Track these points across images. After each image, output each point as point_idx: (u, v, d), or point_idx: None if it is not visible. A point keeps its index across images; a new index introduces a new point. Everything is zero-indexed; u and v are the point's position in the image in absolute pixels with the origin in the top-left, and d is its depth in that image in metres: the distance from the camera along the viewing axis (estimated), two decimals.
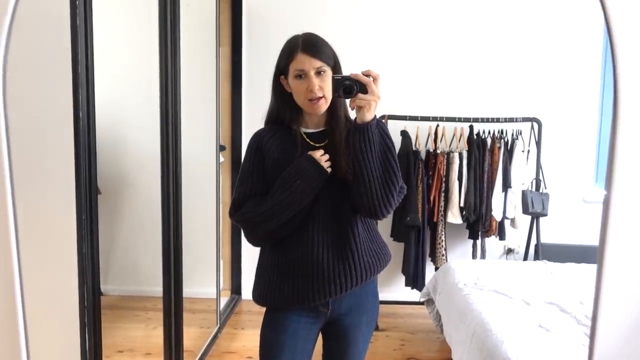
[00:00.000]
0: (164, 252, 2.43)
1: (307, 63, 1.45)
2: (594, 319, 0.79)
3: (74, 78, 1.35)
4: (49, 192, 1.28)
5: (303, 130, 1.55)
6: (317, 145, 1.53)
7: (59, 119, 1.34)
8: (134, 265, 3.00)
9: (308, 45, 1.47)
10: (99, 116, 1.60)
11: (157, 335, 2.53)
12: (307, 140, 1.53)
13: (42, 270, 1.28)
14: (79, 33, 1.39)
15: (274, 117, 1.59)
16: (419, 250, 3.51)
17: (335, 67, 1.51)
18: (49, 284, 1.34)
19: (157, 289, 2.48)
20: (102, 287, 2.08)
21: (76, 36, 1.38)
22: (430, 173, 3.50)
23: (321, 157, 1.48)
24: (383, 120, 3.29)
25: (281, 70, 1.53)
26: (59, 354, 1.47)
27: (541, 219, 3.53)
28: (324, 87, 1.46)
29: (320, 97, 1.47)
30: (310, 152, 1.48)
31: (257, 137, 1.57)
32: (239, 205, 1.54)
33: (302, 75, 1.46)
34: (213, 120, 3.25)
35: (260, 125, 1.63)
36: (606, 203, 0.73)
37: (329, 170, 1.48)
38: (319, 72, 1.46)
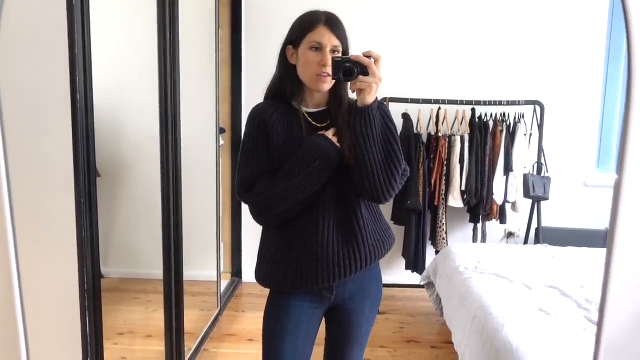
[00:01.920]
0: (164, 235, 2.42)
1: (327, 37, 1.43)
2: (602, 305, 0.78)
3: (71, 60, 1.32)
4: (47, 176, 1.26)
5: (304, 109, 1.52)
6: (319, 125, 1.50)
7: (57, 102, 1.32)
8: (134, 248, 3.00)
9: (331, 20, 1.45)
10: (97, 99, 1.57)
11: (157, 318, 2.54)
12: (310, 120, 1.50)
13: (42, 254, 1.27)
14: (75, 14, 1.36)
15: (274, 91, 1.55)
16: (420, 233, 3.51)
17: (346, 53, 1.47)
18: (49, 268, 1.33)
19: (158, 272, 2.48)
20: (103, 270, 2.08)
21: (73, 17, 1.35)
22: (432, 156, 3.48)
23: (335, 137, 1.45)
24: (385, 103, 3.28)
25: (293, 39, 1.48)
26: (59, 337, 1.46)
27: (542, 202, 3.52)
28: None
29: (330, 75, 1.43)
30: (322, 132, 1.46)
31: (259, 112, 1.51)
32: (248, 184, 1.48)
33: (318, 47, 1.43)
34: (213, 102, 3.23)
35: None
36: (617, 187, 0.71)
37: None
38: (333, 51, 1.44)
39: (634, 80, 0.67)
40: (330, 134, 1.45)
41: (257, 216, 1.52)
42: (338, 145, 1.44)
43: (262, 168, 1.48)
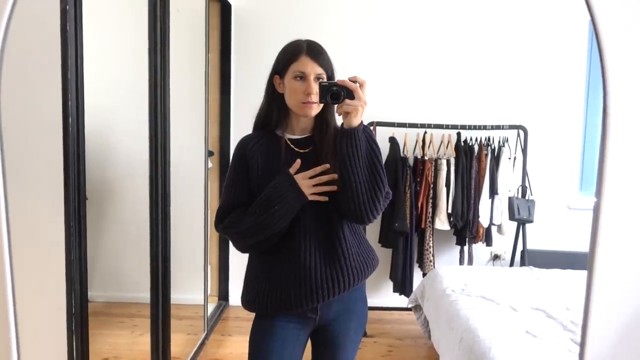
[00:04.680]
0: (151, 258, 2.41)
1: (310, 66, 1.47)
2: (584, 326, 0.80)
3: (64, 84, 1.34)
4: (37, 199, 1.27)
5: (288, 136, 1.56)
6: (301, 151, 1.53)
7: (48, 125, 1.33)
8: (121, 271, 2.97)
9: (313, 49, 1.49)
10: (87, 122, 1.59)
11: (143, 342, 2.51)
12: (292, 146, 1.54)
13: (30, 276, 1.27)
14: (69, 39, 1.39)
15: (262, 119, 1.59)
16: (407, 256, 3.52)
17: (331, 78, 1.52)
18: (37, 291, 1.32)
19: (143, 295, 2.46)
20: (88, 294, 2.06)
21: (66, 42, 1.37)
22: (418, 179, 3.52)
23: (305, 180, 1.46)
24: (371, 127, 3.32)
25: (278, 70, 1.53)
26: None
27: (527, 225, 3.56)
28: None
29: (315, 102, 1.48)
30: (296, 174, 1.46)
31: (241, 144, 1.58)
32: (222, 217, 1.56)
33: (302, 77, 1.47)
34: (202, 126, 3.25)
35: (249, 130, 1.63)
36: (596, 210, 0.74)
37: (310, 197, 1.46)
38: (317, 79, 1.48)
39: (609, 107, 0.70)
40: (300, 177, 1.45)
41: (234, 245, 1.59)
42: (306, 190, 1.45)
43: (238, 201, 1.54)
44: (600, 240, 0.72)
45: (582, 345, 0.79)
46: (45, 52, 1.28)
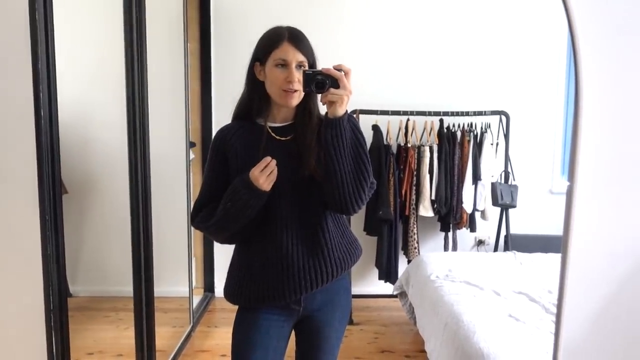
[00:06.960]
0: (133, 251, 2.39)
1: (292, 54, 1.44)
2: (559, 306, 0.81)
3: (34, 74, 1.31)
4: (9, 192, 1.24)
5: (269, 124, 1.53)
6: (282, 139, 1.51)
7: (19, 117, 1.30)
8: (104, 266, 2.94)
9: (294, 37, 1.46)
10: (64, 114, 1.55)
11: (128, 336, 2.49)
12: (273, 134, 1.52)
13: (5, 272, 1.24)
14: (38, 27, 1.35)
15: (242, 108, 1.56)
16: (392, 243, 3.53)
17: (313, 66, 1.49)
18: (13, 287, 1.30)
19: (128, 289, 2.44)
20: (71, 289, 2.03)
21: (35, 30, 1.33)
22: (402, 167, 3.52)
23: (263, 170, 1.41)
24: (354, 115, 3.31)
25: (259, 57, 1.50)
26: (24, 358, 1.43)
27: (510, 210, 3.59)
28: (301, 81, 1.44)
29: (296, 90, 1.45)
30: (252, 171, 1.42)
31: (220, 136, 1.55)
32: (197, 211, 1.55)
33: (283, 64, 1.44)
34: (182, 116, 3.21)
35: (230, 120, 1.61)
36: (569, 194, 0.74)
37: (270, 185, 1.42)
38: (299, 66, 1.45)
39: (580, 90, 0.70)
40: (256, 171, 1.41)
41: (213, 239, 1.61)
42: (262, 182, 1.41)
43: (212, 195, 1.53)
44: (574, 223, 0.72)
45: (558, 324, 0.79)
46: (14, 42, 1.24)
